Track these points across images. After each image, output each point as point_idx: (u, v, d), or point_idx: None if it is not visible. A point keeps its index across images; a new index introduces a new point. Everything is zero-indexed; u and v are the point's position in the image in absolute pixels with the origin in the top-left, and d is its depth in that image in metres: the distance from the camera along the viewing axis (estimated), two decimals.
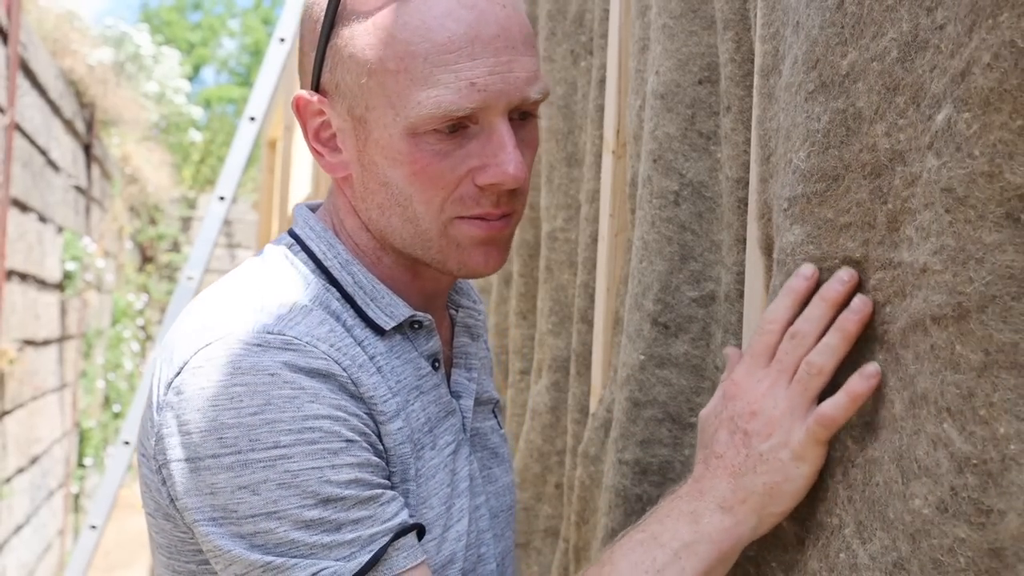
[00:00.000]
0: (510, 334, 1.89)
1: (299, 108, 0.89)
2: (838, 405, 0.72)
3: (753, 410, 0.76)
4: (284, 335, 0.81)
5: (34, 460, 4.56)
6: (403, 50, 0.82)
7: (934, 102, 0.65)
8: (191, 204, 10.22)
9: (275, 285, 0.87)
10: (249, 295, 0.85)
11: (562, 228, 1.67)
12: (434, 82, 0.81)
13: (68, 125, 5.13)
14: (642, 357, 1.19)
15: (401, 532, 0.80)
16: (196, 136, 10.68)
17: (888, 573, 0.66)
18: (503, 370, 1.99)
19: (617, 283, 1.42)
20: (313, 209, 0.95)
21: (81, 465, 6.01)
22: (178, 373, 0.81)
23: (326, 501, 0.77)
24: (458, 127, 0.83)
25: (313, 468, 0.77)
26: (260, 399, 0.77)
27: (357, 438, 0.80)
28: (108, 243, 6.70)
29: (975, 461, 0.60)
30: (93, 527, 3.31)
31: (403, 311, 0.89)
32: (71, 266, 5.09)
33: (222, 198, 3.24)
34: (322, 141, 0.89)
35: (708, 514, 0.77)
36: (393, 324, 0.88)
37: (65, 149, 5.07)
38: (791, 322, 0.77)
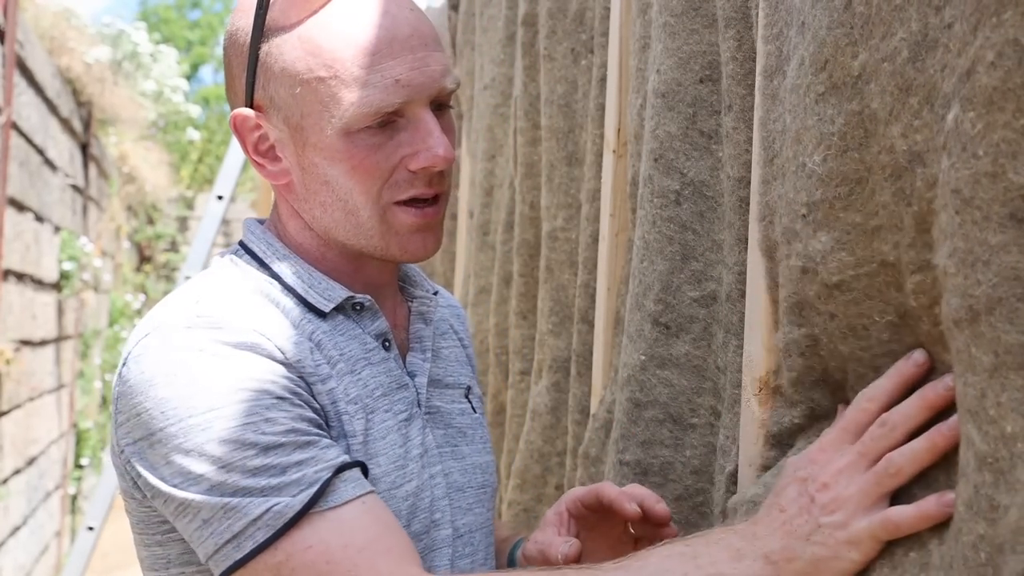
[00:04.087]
0: (510, 334, 1.89)
1: (236, 125, 0.96)
2: (906, 517, 0.72)
3: (826, 482, 0.77)
4: (211, 316, 0.89)
5: (31, 461, 4.55)
6: (330, 57, 0.91)
7: (945, 102, 0.65)
8: (189, 203, 10.21)
9: (214, 282, 0.96)
10: (188, 292, 0.94)
11: (562, 228, 1.67)
12: (363, 83, 0.90)
13: (65, 124, 5.12)
14: (643, 357, 1.18)
15: (344, 468, 0.86)
16: (194, 135, 10.65)
17: (946, 571, 0.67)
18: (503, 370, 1.98)
19: (618, 283, 1.41)
20: (261, 222, 1.04)
21: (78, 466, 6.00)
22: (124, 365, 0.90)
23: (267, 449, 0.84)
24: (387, 121, 0.92)
25: (248, 424, 0.84)
26: (192, 371, 0.86)
27: (288, 395, 0.87)
28: (105, 243, 6.69)
29: (990, 459, 0.61)
30: (90, 528, 3.29)
31: (341, 293, 0.96)
32: (68, 266, 5.08)
33: (220, 197, 3.22)
34: (261, 153, 0.97)
35: (751, 559, 0.78)
36: (332, 306, 0.96)
37: (62, 148, 5.06)
38: (888, 406, 0.76)
